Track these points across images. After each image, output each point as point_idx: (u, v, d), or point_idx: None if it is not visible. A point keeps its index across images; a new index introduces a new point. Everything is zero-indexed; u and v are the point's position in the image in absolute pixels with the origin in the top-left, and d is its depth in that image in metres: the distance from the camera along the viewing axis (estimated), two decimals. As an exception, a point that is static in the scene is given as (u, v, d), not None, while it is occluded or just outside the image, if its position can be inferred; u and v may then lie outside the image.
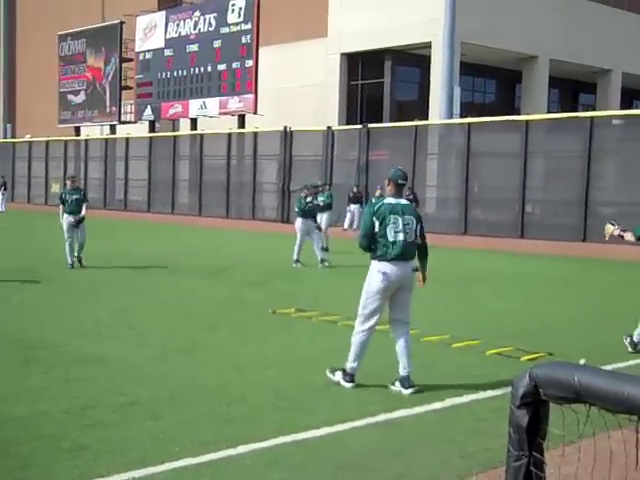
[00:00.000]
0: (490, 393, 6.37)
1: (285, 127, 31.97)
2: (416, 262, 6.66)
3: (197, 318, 9.92)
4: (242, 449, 4.93)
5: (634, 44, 38.17)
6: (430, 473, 4.62)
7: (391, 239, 6.41)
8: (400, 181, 6.67)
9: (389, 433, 5.43)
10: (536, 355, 7.76)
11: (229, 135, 34.39)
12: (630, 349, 8.28)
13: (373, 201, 6.81)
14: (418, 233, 6.57)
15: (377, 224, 6.44)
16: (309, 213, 16.63)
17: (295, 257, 16.23)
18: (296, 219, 16.93)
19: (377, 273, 6.43)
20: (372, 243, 6.50)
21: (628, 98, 41.10)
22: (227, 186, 34.18)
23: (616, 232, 8.29)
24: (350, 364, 6.52)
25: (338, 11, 35.68)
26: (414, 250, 6.57)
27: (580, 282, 14.95)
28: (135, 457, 4.75)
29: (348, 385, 6.46)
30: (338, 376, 6.54)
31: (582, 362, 6.59)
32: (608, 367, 6.96)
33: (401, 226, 6.44)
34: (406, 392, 6.31)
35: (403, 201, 6.66)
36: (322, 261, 16.34)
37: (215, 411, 5.78)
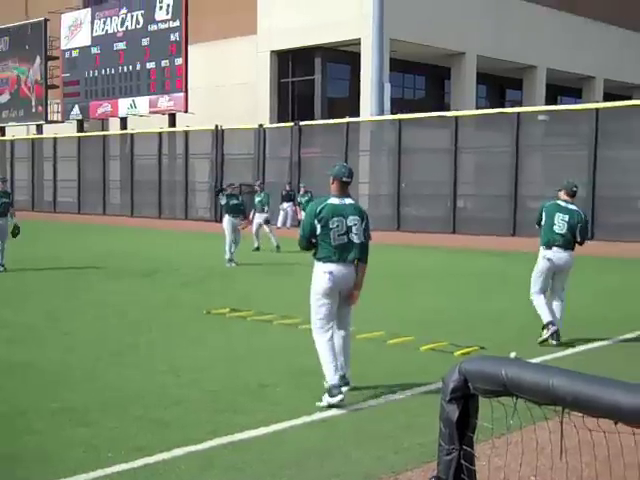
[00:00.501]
0: (424, 389, 6.45)
1: (216, 126, 31.78)
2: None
3: (131, 320, 9.79)
4: (177, 452, 4.89)
5: (558, 41, 39.09)
6: (366, 470, 4.66)
7: (334, 243, 6.14)
8: (345, 179, 6.30)
9: (325, 431, 5.45)
10: (469, 349, 7.87)
11: (160, 134, 34.02)
12: (554, 342, 8.46)
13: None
14: (364, 234, 6.27)
15: (319, 227, 6.16)
16: (235, 210, 16.68)
17: (227, 256, 16.19)
18: (223, 217, 16.98)
19: (323, 273, 6.15)
20: (312, 244, 6.24)
21: (553, 94, 42.05)
22: (159, 186, 33.85)
23: None
24: (329, 379, 6.02)
25: (267, 8, 35.61)
26: (359, 252, 6.26)
27: (511, 276, 15.22)
28: (67, 465, 4.66)
29: (337, 399, 5.90)
30: (325, 399, 5.97)
31: (512, 355, 6.73)
32: (537, 360, 7.12)
33: (345, 228, 6.17)
34: (332, 400, 5.98)
35: (348, 200, 6.31)
36: (230, 260, 16.29)
37: (150, 415, 5.72)
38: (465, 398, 2.31)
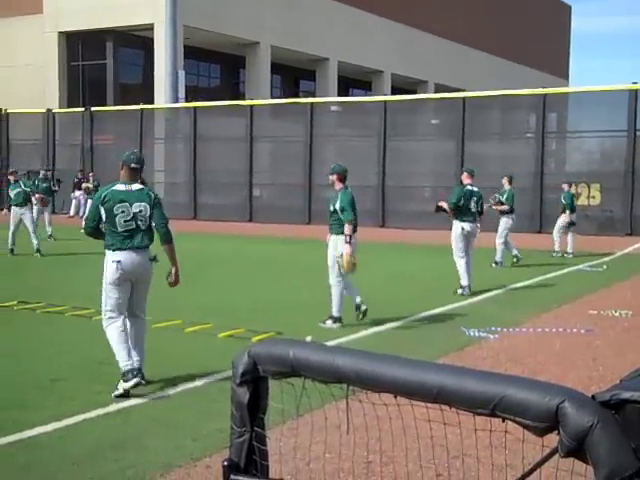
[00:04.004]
0: (222, 375, 6.46)
1: (0, 109, 30.05)
2: (154, 252, 6.32)
3: None
4: (-44, 456, 4.63)
5: (349, 35, 40.40)
6: (164, 459, 4.64)
7: (120, 229, 6.09)
8: (133, 165, 6.29)
9: (121, 423, 5.36)
10: (266, 335, 7.98)
11: None
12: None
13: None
14: (155, 219, 6.24)
15: (104, 214, 6.13)
16: (22, 201, 15.98)
17: (10, 246, 15.63)
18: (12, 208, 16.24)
19: (111, 262, 6.07)
20: (98, 231, 6.26)
21: (345, 86, 43.44)
22: None
23: (347, 248, 8.69)
24: (123, 364, 5.96)
25: (55, -13, 34.08)
26: (148, 238, 6.25)
27: (306, 262, 15.61)
28: None
29: (132, 382, 5.86)
30: (120, 386, 5.89)
31: (308, 339, 6.90)
32: (332, 343, 7.38)
33: (131, 214, 6.12)
34: (127, 385, 5.88)
35: (136, 186, 6.27)
36: (38, 250, 15.71)
37: None
38: (255, 381, 2.36)
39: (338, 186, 9.00)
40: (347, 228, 8.68)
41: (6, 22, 35.33)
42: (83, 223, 6.47)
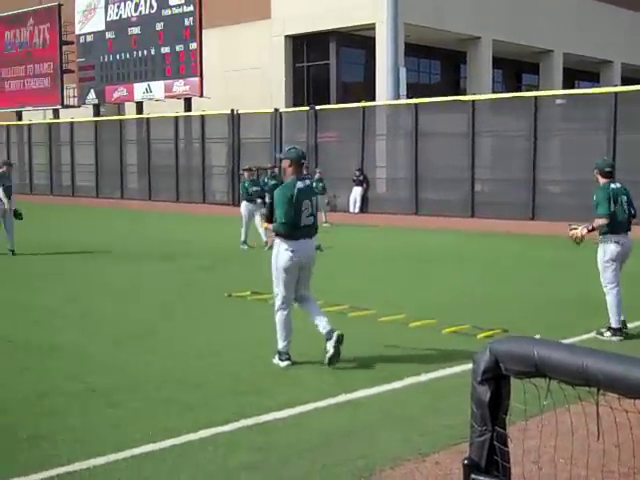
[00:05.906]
0: (448, 371, 6.46)
1: (232, 110, 31.75)
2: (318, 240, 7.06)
3: (151, 304, 9.86)
4: (203, 434, 4.94)
5: (574, 25, 38.73)
6: (392, 452, 4.68)
7: (301, 223, 6.75)
8: (302, 161, 7.02)
9: (350, 414, 5.47)
10: (491, 332, 7.84)
11: (176, 119, 34.01)
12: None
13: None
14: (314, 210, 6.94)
15: (292, 208, 6.75)
16: (253, 196, 16.68)
17: (242, 239, 16.32)
18: (241, 202, 17.08)
19: (285, 251, 6.75)
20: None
21: (570, 78, 41.70)
22: (176, 170, 33.84)
23: (584, 231, 8.01)
24: (281, 343, 6.78)
25: (282, -7, 35.48)
26: (316, 227, 7.02)
27: (529, 259, 15.17)
28: (95, 445, 4.72)
29: (284, 364, 6.68)
30: (276, 361, 6.76)
31: (537, 337, 6.72)
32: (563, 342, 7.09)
33: (310, 209, 6.82)
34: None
35: (307, 182, 7.08)
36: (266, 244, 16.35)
37: (175, 397, 5.77)
38: (496, 379, 2.31)
39: (601, 182, 8.39)
40: (596, 221, 8.00)
41: (237, 28, 37.26)
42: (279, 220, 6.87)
